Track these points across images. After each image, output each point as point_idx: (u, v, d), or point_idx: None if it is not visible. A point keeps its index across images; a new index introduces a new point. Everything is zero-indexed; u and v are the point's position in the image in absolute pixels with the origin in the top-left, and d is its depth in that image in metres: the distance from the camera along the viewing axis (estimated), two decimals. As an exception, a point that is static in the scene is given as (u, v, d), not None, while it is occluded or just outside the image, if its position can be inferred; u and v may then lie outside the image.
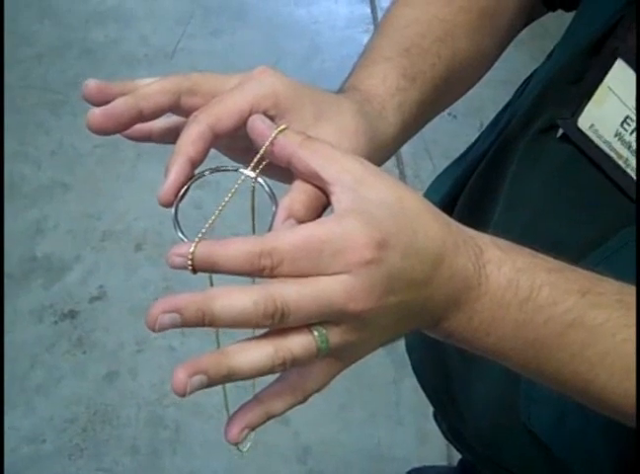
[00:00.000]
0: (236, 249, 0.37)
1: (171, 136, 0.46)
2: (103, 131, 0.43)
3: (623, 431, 0.44)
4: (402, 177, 2.00)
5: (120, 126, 0.43)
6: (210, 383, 0.37)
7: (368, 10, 2.47)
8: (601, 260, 0.51)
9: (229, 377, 0.37)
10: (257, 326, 0.37)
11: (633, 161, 0.50)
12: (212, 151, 0.44)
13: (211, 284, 0.41)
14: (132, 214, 1.89)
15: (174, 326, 0.36)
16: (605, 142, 0.52)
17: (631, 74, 0.50)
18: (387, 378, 1.65)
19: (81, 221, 1.88)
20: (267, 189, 0.43)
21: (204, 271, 0.38)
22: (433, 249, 0.40)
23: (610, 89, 0.52)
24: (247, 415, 0.39)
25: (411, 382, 1.57)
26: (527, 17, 0.64)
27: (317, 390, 0.41)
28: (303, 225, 0.38)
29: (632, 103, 0.50)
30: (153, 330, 0.36)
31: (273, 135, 0.42)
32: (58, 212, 1.89)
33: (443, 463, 1.52)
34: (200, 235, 0.38)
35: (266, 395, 0.40)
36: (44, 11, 2.35)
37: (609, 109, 0.52)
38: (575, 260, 0.44)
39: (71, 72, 2.18)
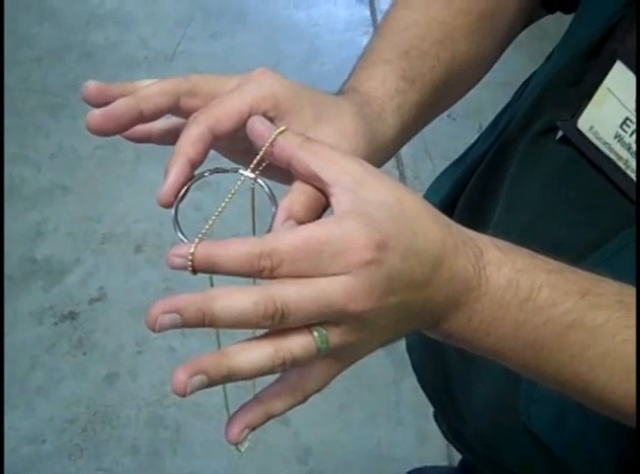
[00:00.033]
0: (236, 250, 0.37)
1: (170, 137, 0.46)
2: (103, 132, 0.43)
3: (623, 431, 0.44)
4: (402, 178, 2.00)
5: (119, 127, 0.43)
6: (211, 383, 0.37)
7: (368, 12, 2.47)
8: (601, 261, 0.51)
9: (229, 377, 0.37)
10: (257, 326, 0.37)
11: (633, 162, 0.51)
12: (212, 152, 0.45)
13: (212, 285, 0.41)
14: (132, 216, 1.89)
15: (174, 326, 0.36)
16: (605, 144, 0.52)
17: (630, 76, 0.50)
18: (387, 378, 1.65)
19: (81, 224, 1.88)
20: (266, 190, 0.43)
21: (204, 271, 0.38)
22: (432, 250, 0.40)
23: (610, 91, 0.52)
24: (247, 415, 0.39)
25: (411, 382, 1.57)
26: (527, 19, 0.64)
27: (317, 390, 0.41)
28: (303, 226, 0.39)
29: (632, 104, 0.50)
30: (153, 330, 0.36)
31: (272, 137, 0.42)
32: (58, 215, 1.89)
33: (444, 463, 1.53)
34: (199, 236, 0.38)
35: (266, 395, 0.40)
36: (44, 13, 2.35)
37: (609, 110, 0.52)
38: (574, 261, 0.44)
39: (71, 75, 2.18)
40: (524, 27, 0.65)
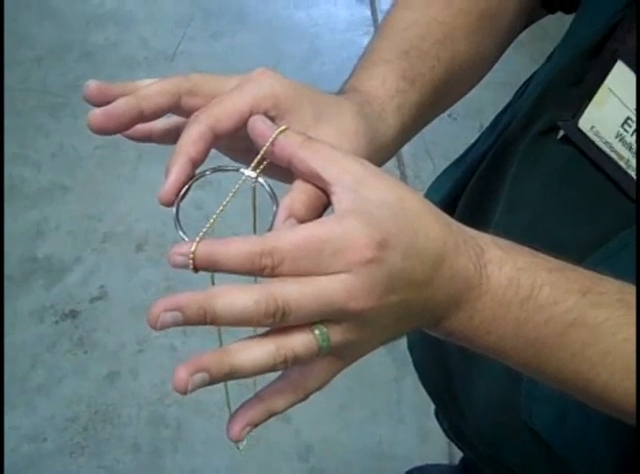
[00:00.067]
0: (237, 248, 0.37)
1: (171, 137, 0.46)
2: (103, 131, 0.43)
3: (624, 429, 0.45)
4: (403, 178, 2.00)
5: (120, 126, 0.43)
6: (212, 381, 0.37)
7: (369, 12, 2.47)
8: (602, 261, 0.51)
9: (231, 375, 0.37)
10: (258, 325, 0.37)
11: (634, 162, 0.51)
12: (213, 151, 0.45)
13: (213, 284, 0.41)
14: (133, 215, 1.89)
15: (175, 324, 0.36)
16: (606, 143, 0.52)
17: (631, 76, 0.50)
18: (389, 377, 1.65)
19: (82, 223, 1.88)
20: (267, 188, 0.43)
21: (206, 269, 0.38)
22: (433, 249, 0.40)
23: (611, 90, 0.52)
24: (249, 412, 0.39)
25: (412, 381, 1.58)
26: (527, 19, 0.64)
27: (318, 388, 0.41)
28: (304, 225, 0.39)
29: (633, 104, 0.50)
30: (155, 328, 0.36)
31: (273, 136, 0.42)
32: (59, 214, 1.89)
33: (445, 461, 1.53)
34: (201, 234, 0.38)
35: (267, 393, 0.40)
36: (44, 13, 2.35)
37: (610, 110, 0.52)
38: (575, 261, 0.44)
39: (71, 75, 2.18)
40: (525, 27, 0.65)
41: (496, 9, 0.59)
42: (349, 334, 0.39)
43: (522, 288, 0.41)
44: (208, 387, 0.37)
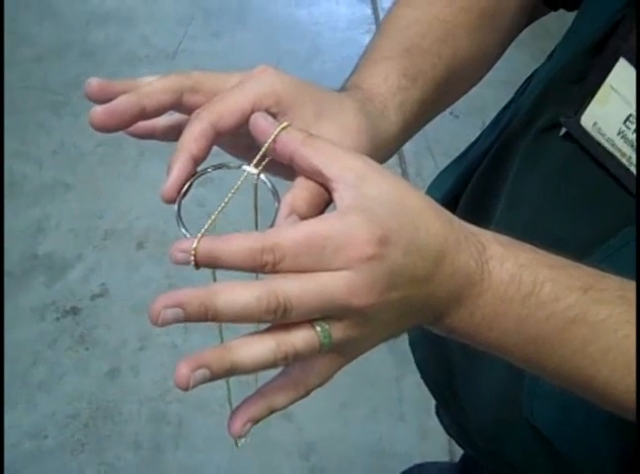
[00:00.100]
0: (238, 244, 0.37)
1: (173, 134, 0.46)
2: (105, 129, 0.43)
3: (626, 426, 0.44)
4: (404, 175, 2.00)
5: (122, 124, 0.43)
6: (213, 377, 0.37)
7: (370, 11, 2.47)
8: (603, 258, 0.51)
9: (232, 371, 0.37)
10: (259, 321, 0.37)
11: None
12: (215, 149, 0.45)
13: (214, 281, 0.41)
14: (134, 213, 1.89)
15: (177, 321, 0.36)
16: (608, 140, 0.52)
17: (634, 73, 0.50)
18: (390, 375, 1.65)
19: (83, 220, 1.89)
20: (269, 185, 0.43)
21: (207, 266, 0.38)
22: (434, 246, 0.40)
23: (613, 88, 0.52)
24: (250, 409, 0.39)
25: (413, 378, 1.58)
26: (529, 16, 0.64)
27: (320, 385, 0.41)
28: (305, 222, 0.39)
29: (635, 101, 0.50)
30: (156, 324, 0.36)
31: (275, 133, 0.42)
32: (60, 211, 1.90)
33: (445, 459, 1.53)
34: (202, 231, 0.38)
35: (268, 389, 0.40)
36: (44, 13, 2.36)
37: (612, 107, 0.52)
38: (576, 258, 0.44)
39: (72, 73, 2.19)
40: (527, 24, 0.65)
41: (497, 7, 0.59)
42: (350, 330, 0.39)
43: (524, 285, 0.41)
44: (210, 384, 0.37)
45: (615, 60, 0.51)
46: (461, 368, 0.68)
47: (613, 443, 0.54)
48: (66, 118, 2.08)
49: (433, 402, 0.79)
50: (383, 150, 0.50)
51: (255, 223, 0.48)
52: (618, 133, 0.52)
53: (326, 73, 2.20)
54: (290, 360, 0.38)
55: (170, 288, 0.36)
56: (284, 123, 0.42)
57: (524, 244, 0.43)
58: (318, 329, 0.38)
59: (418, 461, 1.40)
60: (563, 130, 0.56)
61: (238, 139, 0.46)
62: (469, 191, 0.69)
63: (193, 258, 0.37)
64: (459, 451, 1.03)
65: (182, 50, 2.29)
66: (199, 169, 0.43)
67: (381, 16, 2.41)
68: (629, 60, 0.50)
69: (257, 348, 0.37)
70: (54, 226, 1.87)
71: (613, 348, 0.41)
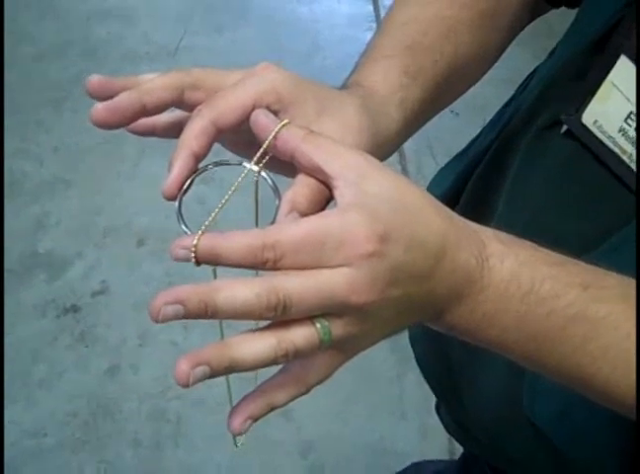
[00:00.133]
0: (239, 241, 0.37)
1: (174, 131, 0.46)
2: (106, 126, 0.43)
3: (627, 424, 0.44)
4: (405, 173, 2.00)
5: (123, 121, 0.43)
6: (213, 374, 0.37)
7: (371, 8, 2.47)
8: (604, 256, 0.51)
9: (232, 368, 0.37)
10: (259, 318, 0.37)
11: (637, 157, 0.51)
12: (216, 146, 0.45)
13: (215, 278, 0.41)
14: (135, 210, 1.89)
15: (177, 317, 0.36)
16: (609, 138, 0.52)
17: (635, 70, 0.50)
18: (390, 373, 1.65)
19: (83, 217, 1.89)
20: (270, 182, 0.43)
21: (207, 263, 0.38)
22: (435, 243, 0.40)
23: (614, 85, 0.52)
24: (250, 406, 0.39)
25: (414, 377, 1.58)
26: (531, 14, 0.64)
27: (320, 382, 0.41)
28: (306, 218, 0.39)
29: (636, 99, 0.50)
30: (156, 321, 0.36)
31: (276, 129, 0.42)
32: (60, 209, 1.90)
33: (445, 458, 1.53)
34: (203, 228, 0.38)
35: (268, 386, 0.40)
36: (45, 10, 2.36)
37: (613, 105, 0.52)
38: (577, 256, 0.44)
39: (72, 70, 2.19)
40: (529, 21, 0.64)
41: (497, 7, 0.59)
42: (350, 327, 0.39)
43: (524, 282, 0.41)
44: (209, 381, 0.37)
45: (616, 58, 0.51)
46: (462, 365, 0.68)
47: (613, 441, 0.54)
48: (67, 116, 2.08)
49: (434, 400, 0.79)
50: (384, 147, 0.50)
51: (255, 220, 0.48)
52: (619, 131, 0.52)
53: (327, 70, 2.20)
54: (291, 357, 0.38)
55: (170, 286, 0.36)
56: (285, 120, 0.42)
57: (525, 241, 0.43)
58: (318, 326, 0.38)
59: (418, 460, 1.41)
60: (564, 128, 0.56)
61: (239, 136, 0.46)
62: (470, 188, 0.69)
63: (193, 255, 0.37)
64: (460, 450, 1.04)
65: (183, 47, 2.29)
66: (199, 166, 0.43)
67: (382, 13, 2.41)
68: (630, 58, 0.50)
69: (257, 345, 0.37)
70: (55, 223, 1.87)
71: (614, 345, 0.41)
